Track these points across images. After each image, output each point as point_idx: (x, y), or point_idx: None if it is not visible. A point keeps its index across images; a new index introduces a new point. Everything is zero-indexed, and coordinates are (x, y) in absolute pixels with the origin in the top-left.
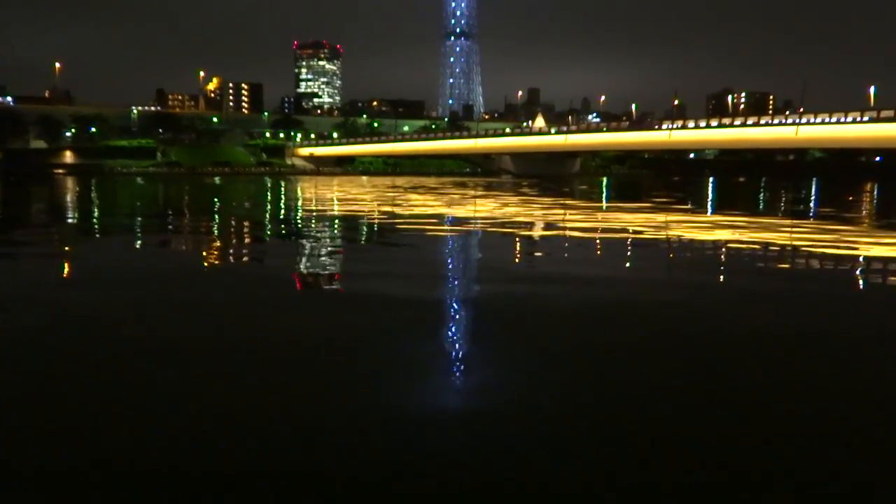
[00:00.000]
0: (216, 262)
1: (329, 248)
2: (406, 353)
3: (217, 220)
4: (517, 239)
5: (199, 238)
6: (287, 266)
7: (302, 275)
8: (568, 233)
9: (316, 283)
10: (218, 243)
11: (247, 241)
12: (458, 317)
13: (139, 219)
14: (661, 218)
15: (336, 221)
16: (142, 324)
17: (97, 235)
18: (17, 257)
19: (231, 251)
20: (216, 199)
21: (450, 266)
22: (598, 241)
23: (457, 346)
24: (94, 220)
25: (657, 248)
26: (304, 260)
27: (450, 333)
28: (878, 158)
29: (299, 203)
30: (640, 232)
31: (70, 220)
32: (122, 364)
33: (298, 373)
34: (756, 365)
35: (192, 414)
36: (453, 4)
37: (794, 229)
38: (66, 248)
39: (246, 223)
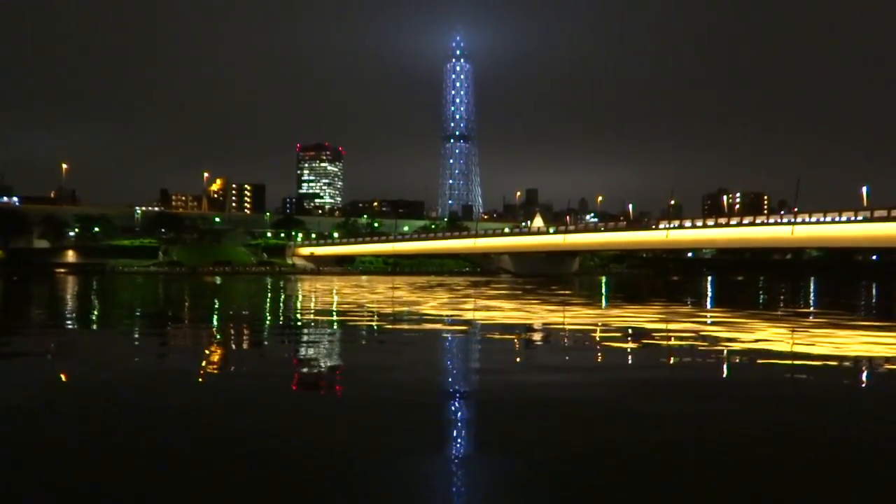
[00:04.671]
0: (211, 379)
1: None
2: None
3: (215, 326)
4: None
5: (196, 350)
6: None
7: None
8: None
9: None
10: (215, 356)
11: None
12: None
13: (135, 324)
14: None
15: (348, 328)
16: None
17: (89, 341)
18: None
19: (226, 371)
20: (214, 302)
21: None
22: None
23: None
24: (90, 324)
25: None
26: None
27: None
28: (874, 257)
29: (299, 306)
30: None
31: (68, 323)
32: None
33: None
34: None
35: None
36: (452, 108)
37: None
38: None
39: (245, 332)
